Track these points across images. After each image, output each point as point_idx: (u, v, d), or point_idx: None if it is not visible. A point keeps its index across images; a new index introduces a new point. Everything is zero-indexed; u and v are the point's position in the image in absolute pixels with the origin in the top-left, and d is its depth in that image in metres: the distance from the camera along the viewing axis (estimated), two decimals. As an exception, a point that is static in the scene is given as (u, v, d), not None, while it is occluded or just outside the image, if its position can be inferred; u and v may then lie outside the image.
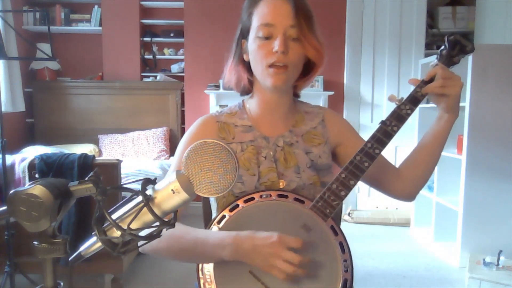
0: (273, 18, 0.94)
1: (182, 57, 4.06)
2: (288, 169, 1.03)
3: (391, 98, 0.99)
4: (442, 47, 1.00)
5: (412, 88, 0.99)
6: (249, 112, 1.09)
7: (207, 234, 0.90)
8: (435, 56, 1.02)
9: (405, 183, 1.08)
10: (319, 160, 1.06)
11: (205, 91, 3.83)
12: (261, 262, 0.83)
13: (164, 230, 0.60)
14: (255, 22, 0.97)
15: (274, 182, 1.01)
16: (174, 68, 4.15)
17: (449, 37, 0.99)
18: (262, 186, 1.00)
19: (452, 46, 0.99)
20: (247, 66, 1.05)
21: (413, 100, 0.96)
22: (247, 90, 1.09)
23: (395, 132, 0.95)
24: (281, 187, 1.01)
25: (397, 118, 0.95)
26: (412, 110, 0.96)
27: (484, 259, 2.44)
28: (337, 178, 0.93)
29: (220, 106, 3.81)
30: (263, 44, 0.96)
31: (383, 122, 0.96)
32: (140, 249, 0.94)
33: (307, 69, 1.04)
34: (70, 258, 0.59)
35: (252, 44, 0.99)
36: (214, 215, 1.07)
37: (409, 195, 1.10)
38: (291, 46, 0.95)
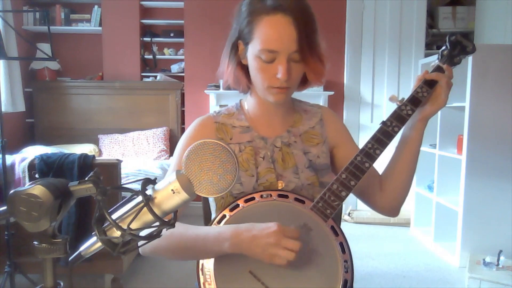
0: (277, 45, 0.91)
1: (182, 57, 4.06)
2: (286, 169, 1.02)
3: (392, 99, 0.98)
4: (443, 47, 0.99)
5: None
6: (247, 112, 1.08)
7: (207, 229, 0.91)
8: (434, 56, 1.02)
9: (386, 197, 1.06)
10: (317, 160, 1.05)
11: (205, 91, 3.83)
12: (261, 252, 0.83)
13: (164, 230, 0.60)
14: (258, 42, 0.93)
15: (272, 183, 1.00)
16: (174, 68, 4.15)
17: (450, 38, 0.98)
18: (261, 187, 1.00)
19: (453, 46, 0.98)
20: (245, 69, 1.02)
21: (414, 101, 0.95)
22: (247, 90, 1.08)
23: (396, 132, 0.95)
24: (279, 188, 1.00)
25: (398, 119, 0.95)
26: (413, 111, 0.95)
27: (484, 259, 2.44)
28: (337, 178, 0.92)
29: (220, 106, 3.81)
30: (265, 67, 0.94)
31: (383, 123, 0.95)
32: (140, 251, 0.93)
33: (303, 79, 1.03)
34: (70, 258, 0.59)
35: (253, 61, 0.96)
36: (213, 216, 1.07)
37: (390, 210, 1.08)
38: (293, 67, 0.94)
